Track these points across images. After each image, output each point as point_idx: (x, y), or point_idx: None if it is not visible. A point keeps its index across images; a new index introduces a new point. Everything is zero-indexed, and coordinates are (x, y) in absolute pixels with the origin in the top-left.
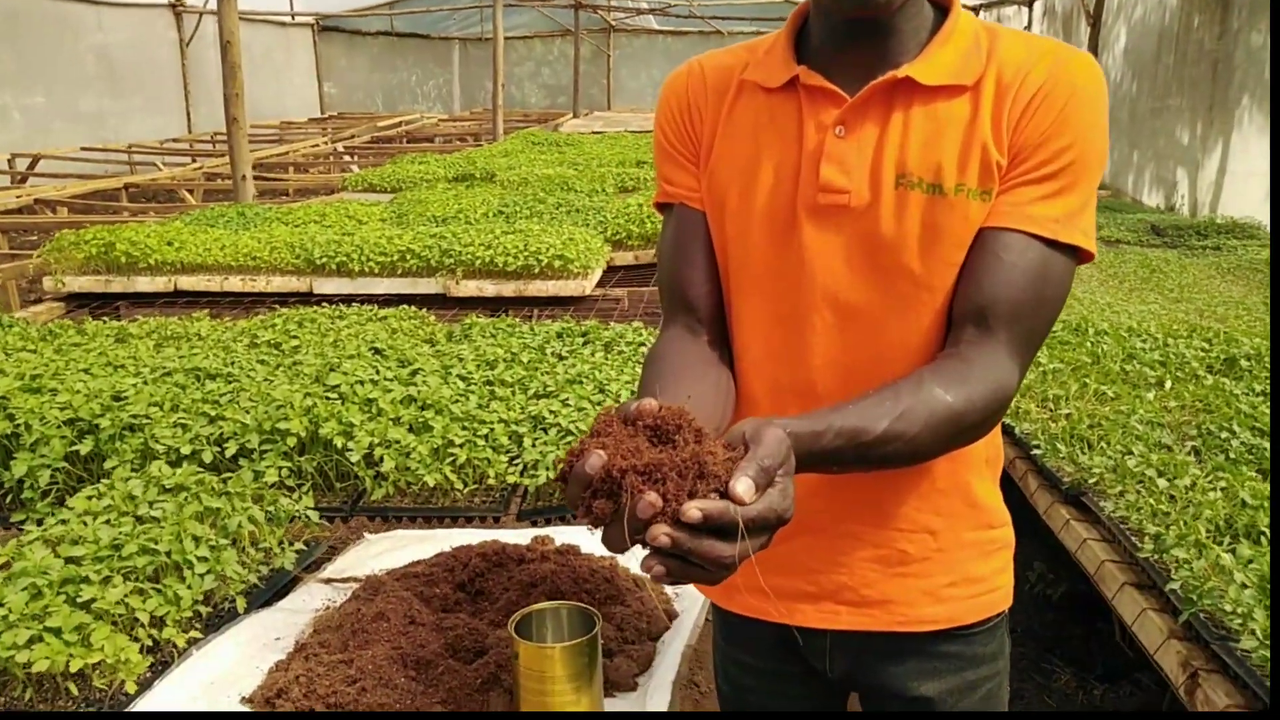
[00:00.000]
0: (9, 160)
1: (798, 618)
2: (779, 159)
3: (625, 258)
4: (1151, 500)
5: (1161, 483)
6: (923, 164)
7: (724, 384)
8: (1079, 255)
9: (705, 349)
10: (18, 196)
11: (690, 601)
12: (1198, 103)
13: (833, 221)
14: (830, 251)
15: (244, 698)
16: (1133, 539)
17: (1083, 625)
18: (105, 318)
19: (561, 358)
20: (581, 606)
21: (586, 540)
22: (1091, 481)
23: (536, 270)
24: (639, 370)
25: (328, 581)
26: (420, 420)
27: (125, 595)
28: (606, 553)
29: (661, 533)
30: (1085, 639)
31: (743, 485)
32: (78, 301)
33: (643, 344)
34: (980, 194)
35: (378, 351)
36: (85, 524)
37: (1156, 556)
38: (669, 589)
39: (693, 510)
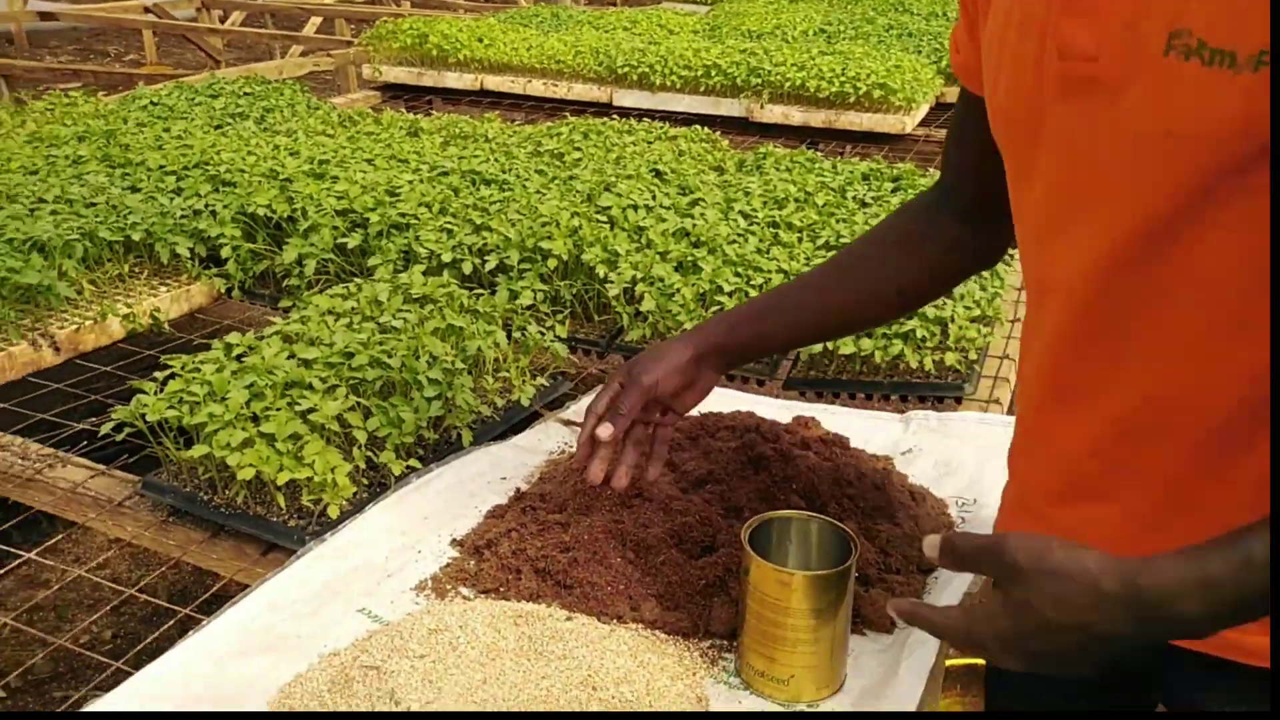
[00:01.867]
0: None
1: None
2: (1027, 9)
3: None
4: None
5: None
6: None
7: (939, 264)
8: None
9: (939, 225)
10: None
11: (980, 531)
12: None
13: (1079, 104)
14: (1080, 146)
15: (455, 539)
16: None
17: None
18: (416, 112)
19: (864, 204)
20: (836, 525)
21: (860, 430)
22: None
23: (852, 99)
24: None
25: (567, 423)
26: (690, 259)
27: (345, 410)
28: (882, 450)
29: None
30: None
31: None
32: (393, 92)
33: None
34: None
35: (659, 174)
36: (325, 324)
37: None
38: (955, 510)
39: None
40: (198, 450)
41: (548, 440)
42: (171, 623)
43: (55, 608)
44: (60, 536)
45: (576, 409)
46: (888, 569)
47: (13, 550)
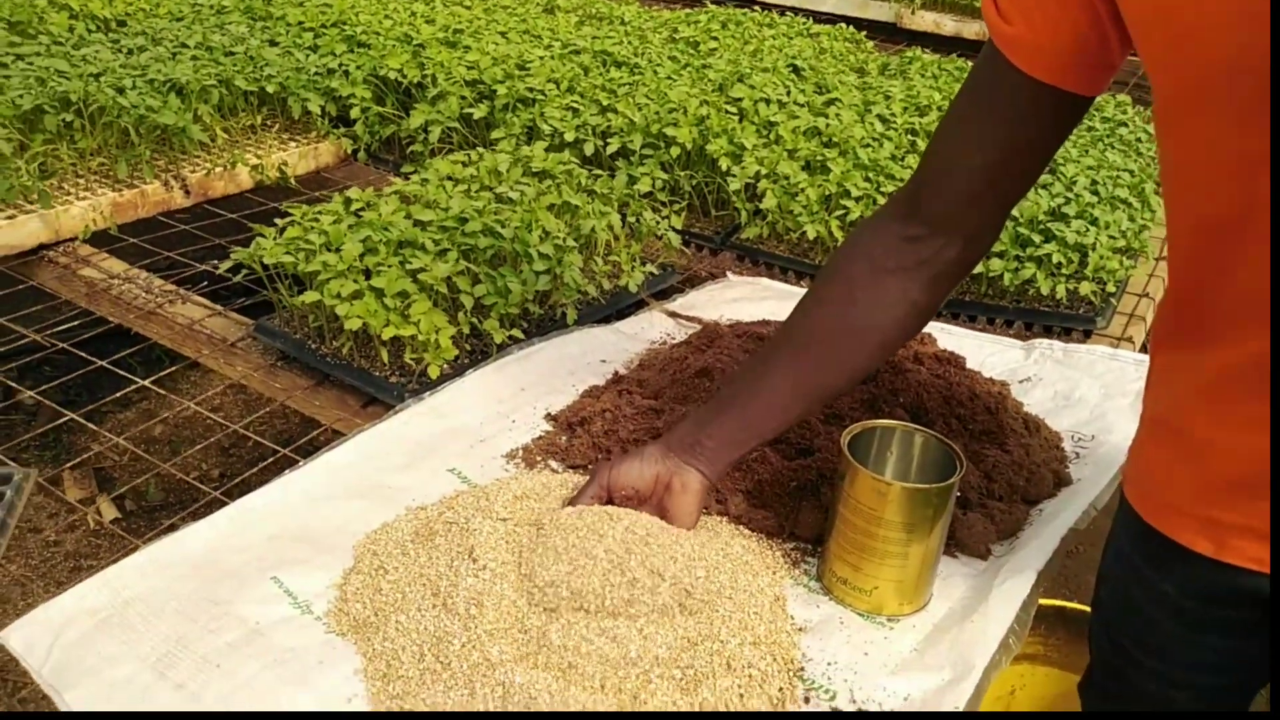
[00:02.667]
0: None
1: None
2: None
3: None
4: None
5: None
6: None
7: (920, 295)
8: None
9: (914, 247)
10: None
11: (1094, 470)
12: None
13: None
14: None
15: (549, 414)
16: None
17: None
18: None
19: None
20: (943, 441)
21: (977, 352)
22: None
23: None
24: (1107, 157)
25: (672, 315)
26: (819, 158)
27: (455, 273)
28: (999, 375)
29: None
30: None
31: None
32: None
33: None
34: None
35: (796, 70)
36: (443, 189)
37: None
38: (1069, 444)
39: None
40: (309, 296)
41: (651, 329)
42: (269, 461)
43: (170, 441)
44: (174, 368)
45: (684, 302)
46: (990, 494)
47: (130, 377)
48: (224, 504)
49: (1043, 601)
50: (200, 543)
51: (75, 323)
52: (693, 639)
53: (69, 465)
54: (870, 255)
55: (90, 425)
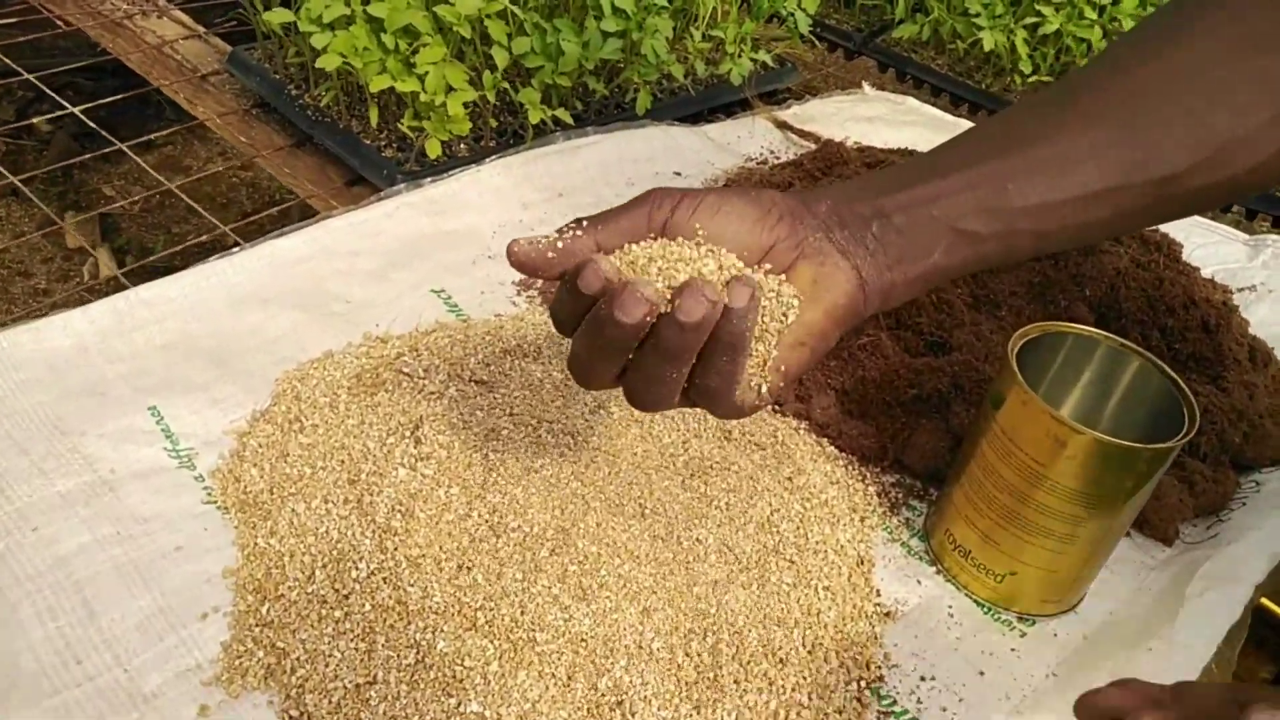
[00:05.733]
0: None
1: None
2: None
3: None
4: None
5: None
6: None
7: None
8: None
9: None
10: None
11: None
12: None
13: None
14: None
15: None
16: None
17: None
18: None
19: None
20: (1167, 374)
21: (1179, 235)
22: None
23: None
24: None
25: (781, 126)
26: None
27: (489, 14)
28: (1224, 263)
29: None
30: None
31: None
32: None
33: None
34: None
35: None
36: None
37: None
38: None
39: None
40: (277, 16)
41: (749, 139)
42: (197, 240)
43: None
44: (119, 97)
45: (801, 111)
46: (1193, 451)
47: (63, 102)
48: (121, 290)
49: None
50: (68, 338)
51: (12, 20)
52: (712, 625)
53: None
54: (1242, 14)
55: None
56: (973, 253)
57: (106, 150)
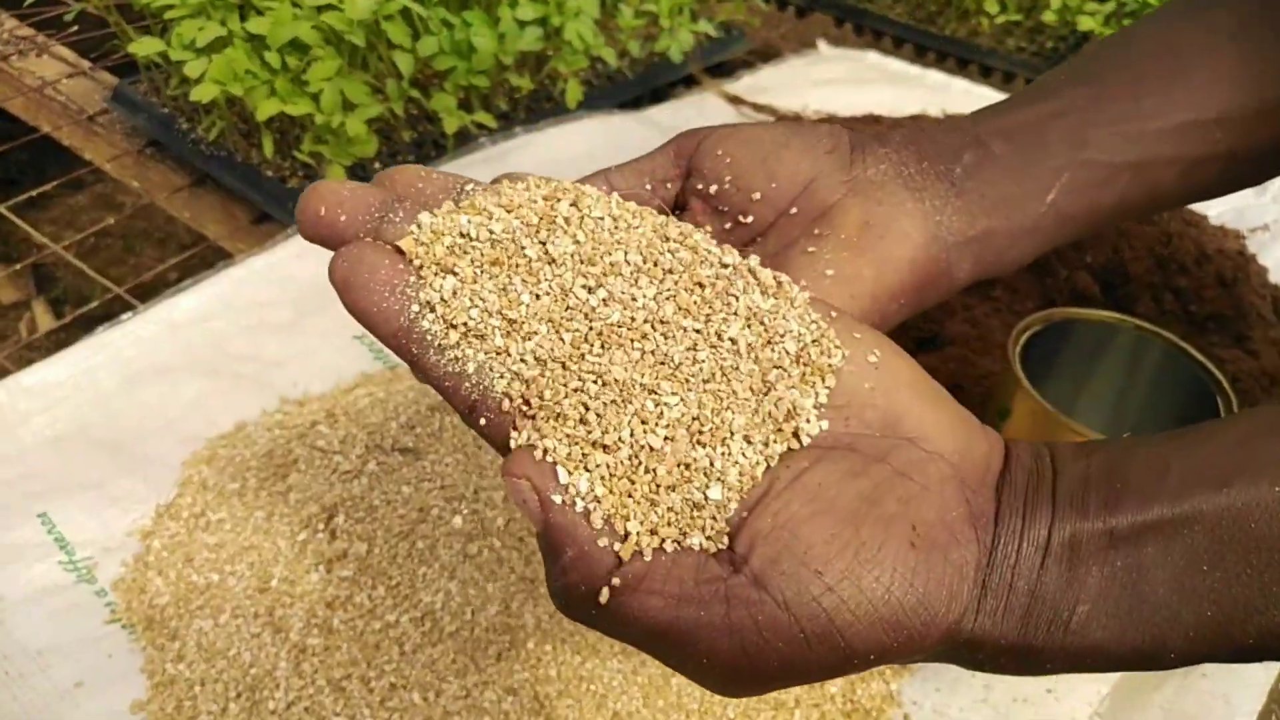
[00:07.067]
0: None
1: None
2: None
3: None
4: None
5: None
6: None
7: None
8: None
9: None
10: None
11: None
12: None
13: None
14: None
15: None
16: None
17: None
18: None
19: None
20: (1196, 356)
21: None
22: None
23: None
24: None
25: (734, 100)
26: None
27: (385, 15)
28: (1229, 203)
29: None
30: None
31: None
32: None
33: None
34: None
35: None
36: None
37: None
38: None
39: None
40: (146, 45)
41: (701, 120)
42: (86, 308)
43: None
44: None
45: (752, 82)
46: None
47: None
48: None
49: None
50: None
51: None
52: (699, 711)
53: None
54: None
55: None
56: (1103, 194)
57: None
